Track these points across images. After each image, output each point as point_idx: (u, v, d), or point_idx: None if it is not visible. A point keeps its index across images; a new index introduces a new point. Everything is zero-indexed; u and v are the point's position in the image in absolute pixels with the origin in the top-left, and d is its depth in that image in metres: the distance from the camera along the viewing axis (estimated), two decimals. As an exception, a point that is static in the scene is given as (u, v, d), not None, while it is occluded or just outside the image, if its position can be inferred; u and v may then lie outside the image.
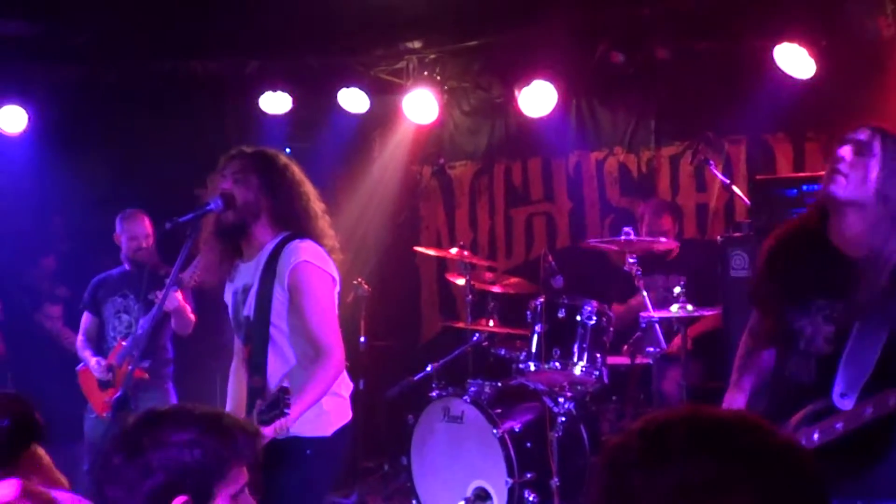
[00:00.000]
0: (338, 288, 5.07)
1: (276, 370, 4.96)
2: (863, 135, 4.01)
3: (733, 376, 4.49)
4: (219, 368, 5.60)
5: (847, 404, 3.83)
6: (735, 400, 4.36)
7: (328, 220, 5.23)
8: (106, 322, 7.82)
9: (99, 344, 7.79)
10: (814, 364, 4.01)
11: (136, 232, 7.75)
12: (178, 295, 7.20)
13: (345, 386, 5.17)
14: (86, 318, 7.92)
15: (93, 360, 7.62)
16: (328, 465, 5.11)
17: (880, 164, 3.94)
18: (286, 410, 4.51)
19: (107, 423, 7.06)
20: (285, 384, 4.60)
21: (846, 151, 3.95)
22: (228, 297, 5.26)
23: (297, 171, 5.20)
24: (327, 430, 5.01)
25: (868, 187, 3.90)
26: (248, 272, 5.10)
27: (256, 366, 4.99)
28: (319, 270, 4.95)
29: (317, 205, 5.20)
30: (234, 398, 5.24)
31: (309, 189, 5.20)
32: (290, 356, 4.98)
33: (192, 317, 7.57)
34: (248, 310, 5.05)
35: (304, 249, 4.95)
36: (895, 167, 3.97)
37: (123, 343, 7.53)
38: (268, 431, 4.58)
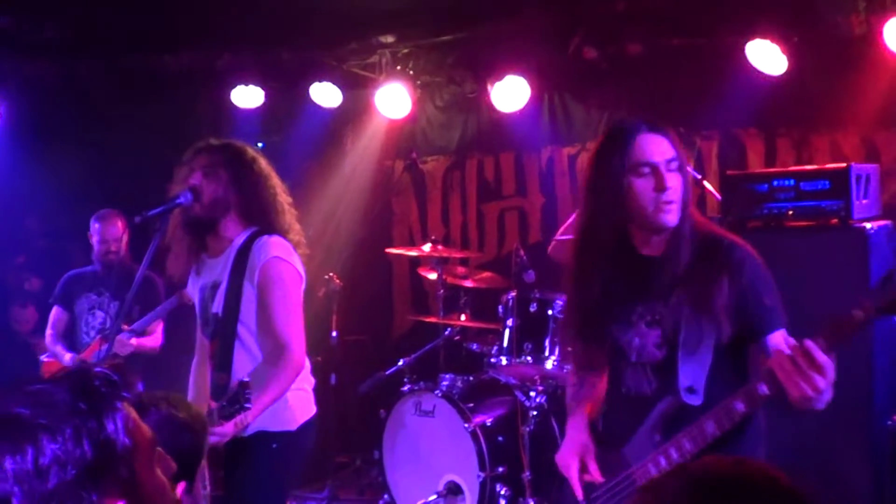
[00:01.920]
0: (304, 284, 5.07)
1: (242, 367, 4.96)
2: (668, 149, 3.84)
3: (570, 406, 4.30)
4: (184, 364, 5.59)
5: (696, 399, 3.73)
6: (578, 424, 4.16)
7: (294, 213, 5.24)
8: (79, 317, 7.79)
9: (71, 339, 7.76)
10: (651, 372, 3.90)
11: (107, 235, 7.78)
12: (132, 342, 7.26)
13: (307, 380, 5.17)
14: (56, 313, 7.90)
15: (66, 356, 7.59)
16: (294, 458, 5.11)
17: (682, 178, 3.85)
18: (247, 405, 4.51)
19: None
20: (245, 379, 4.60)
21: (673, 179, 3.79)
22: (195, 292, 5.25)
23: (264, 164, 5.20)
24: (292, 424, 5.01)
25: (682, 205, 3.83)
26: (216, 268, 5.09)
27: (222, 362, 4.98)
28: (289, 266, 4.96)
29: (283, 198, 5.20)
30: (197, 394, 5.22)
31: (276, 182, 5.20)
32: (256, 353, 4.98)
33: (156, 342, 7.66)
34: (217, 307, 5.04)
35: (273, 246, 4.95)
36: (686, 176, 3.90)
37: (95, 346, 7.48)
38: (228, 427, 4.58)
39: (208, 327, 5.12)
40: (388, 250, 9.22)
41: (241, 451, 4.77)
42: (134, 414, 2.08)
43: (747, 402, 3.51)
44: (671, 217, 3.78)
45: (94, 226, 7.83)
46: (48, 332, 7.88)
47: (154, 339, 7.63)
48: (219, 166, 5.04)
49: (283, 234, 5.06)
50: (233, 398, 4.53)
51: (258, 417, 4.78)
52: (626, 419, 3.96)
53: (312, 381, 5.25)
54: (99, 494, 1.96)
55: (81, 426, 1.95)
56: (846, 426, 5.55)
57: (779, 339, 3.68)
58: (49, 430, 1.93)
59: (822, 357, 3.26)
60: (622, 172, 3.81)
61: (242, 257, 4.98)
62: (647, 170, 3.78)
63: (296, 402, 5.03)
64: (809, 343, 3.29)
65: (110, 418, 2.00)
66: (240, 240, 5.05)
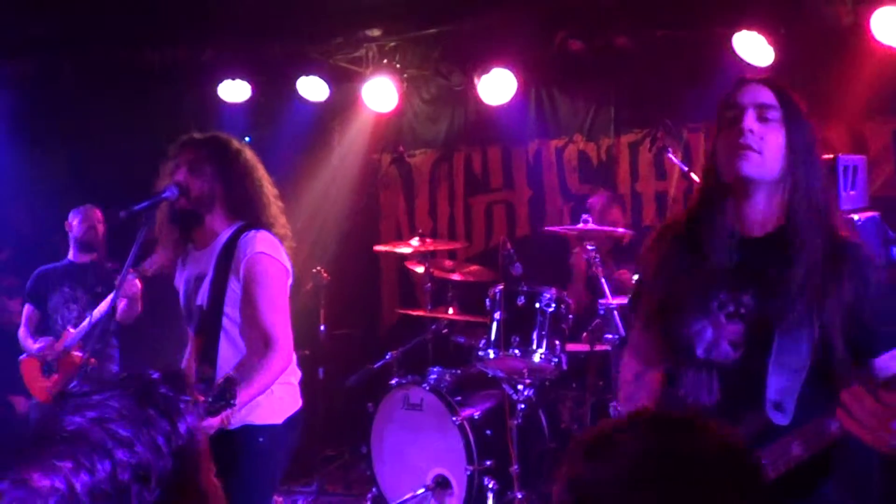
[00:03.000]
0: (290, 278, 5.06)
1: (228, 360, 4.94)
2: (764, 95, 3.41)
3: (625, 409, 3.82)
4: (162, 337, 5.60)
5: (782, 418, 3.21)
6: None
7: (280, 205, 5.23)
8: (53, 311, 7.78)
9: (44, 334, 7.75)
10: (715, 378, 3.40)
11: (91, 220, 7.86)
12: (137, 282, 7.19)
13: (294, 373, 5.16)
14: (27, 310, 7.94)
15: (39, 343, 7.59)
16: (281, 452, 5.08)
17: (786, 131, 3.39)
18: (232, 401, 4.49)
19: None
20: (232, 375, 4.59)
21: (751, 120, 3.35)
22: (180, 284, 5.24)
23: (249, 156, 5.18)
24: (279, 417, 5.00)
25: (778, 161, 3.37)
26: (201, 260, 5.08)
27: (207, 355, 4.97)
28: (275, 261, 4.95)
29: (269, 190, 5.19)
30: None
31: (262, 174, 5.18)
32: (241, 347, 4.97)
33: (140, 308, 7.55)
34: (202, 299, 5.03)
35: (259, 240, 4.94)
36: (800, 132, 3.42)
37: (72, 330, 7.47)
38: (214, 422, 4.56)
39: (192, 320, 5.11)
40: (375, 248, 9.19)
41: (227, 446, 4.75)
42: (196, 413, 1.96)
43: (806, 448, 3.07)
44: (747, 166, 3.33)
45: (75, 216, 7.91)
46: (21, 329, 7.88)
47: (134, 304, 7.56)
48: (204, 161, 5.02)
49: (268, 227, 5.05)
50: (219, 394, 4.51)
51: (242, 410, 4.77)
52: None
53: (299, 374, 5.23)
54: None
55: (156, 434, 1.84)
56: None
57: (886, 361, 3.26)
58: (123, 441, 1.80)
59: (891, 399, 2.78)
60: (718, 128, 3.48)
61: (228, 251, 4.97)
62: (732, 115, 3.41)
63: (282, 395, 5.01)
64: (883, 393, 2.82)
65: (181, 421, 1.89)
66: (226, 234, 5.03)
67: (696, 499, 1.71)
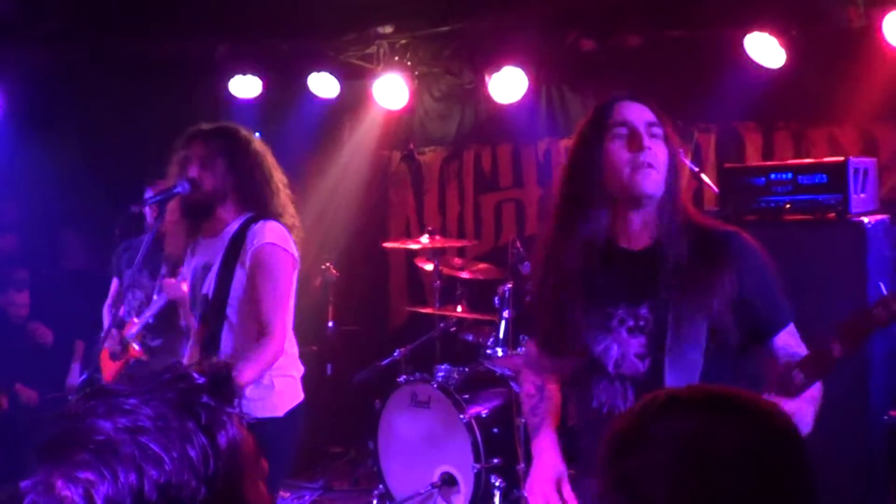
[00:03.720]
0: (297, 269, 5.07)
1: (230, 349, 4.96)
2: (647, 114, 3.57)
3: (532, 421, 3.90)
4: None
5: None
6: (547, 445, 3.75)
7: (289, 194, 5.23)
8: (124, 292, 7.71)
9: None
10: (629, 388, 3.50)
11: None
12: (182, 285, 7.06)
13: (296, 367, 5.16)
14: (114, 284, 7.79)
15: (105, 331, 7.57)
16: (282, 445, 5.06)
17: (667, 146, 3.55)
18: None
19: None
20: (228, 361, 4.60)
21: (653, 143, 3.49)
22: (187, 273, 5.25)
23: (258, 145, 5.21)
24: (279, 410, 5.01)
25: (667, 179, 3.52)
26: (209, 250, 5.09)
27: (210, 345, 4.98)
28: (283, 252, 4.96)
29: (278, 177, 5.21)
30: None
31: (271, 163, 5.20)
32: (242, 337, 4.97)
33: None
34: (207, 288, 5.05)
35: (268, 230, 4.96)
36: (673, 146, 3.58)
37: (136, 320, 7.40)
38: None
39: (197, 309, 5.12)
40: (384, 244, 9.19)
41: None
42: (239, 422, 1.85)
43: (782, 394, 3.16)
44: (649, 183, 3.44)
45: (149, 192, 7.72)
46: (107, 302, 7.78)
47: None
48: (216, 155, 5.04)
49: (277, 217, 5.06)
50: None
51: (241, 403, 4.77)
52: (596, 437, 3.34)
53: (301, 368, 5.24)
54: None
55: (191, 450, 1.72)
56: (842, 422, 5.54)
57: (785, 338, 3.46)
58: (154, 457, 1.68)
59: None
60: (599, 140, 3.54)
61: (237, 241, 4.99)
62: (623, 130, 3.51)
63: (283, 388, 5.02)
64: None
65: (222, 434, 1.77)
66: (235, 224, 5.06)
67: (737, 482, 1.75)
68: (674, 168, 3.54)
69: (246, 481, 1.83)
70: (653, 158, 3.46)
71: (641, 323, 3.49)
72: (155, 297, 7.12)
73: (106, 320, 7.68)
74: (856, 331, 3.07)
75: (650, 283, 3.47)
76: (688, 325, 3.39)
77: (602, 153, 3.51)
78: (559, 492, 3.62)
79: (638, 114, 3.56)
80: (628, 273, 3.52)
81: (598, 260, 3.53)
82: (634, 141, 3.48)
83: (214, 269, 5.05)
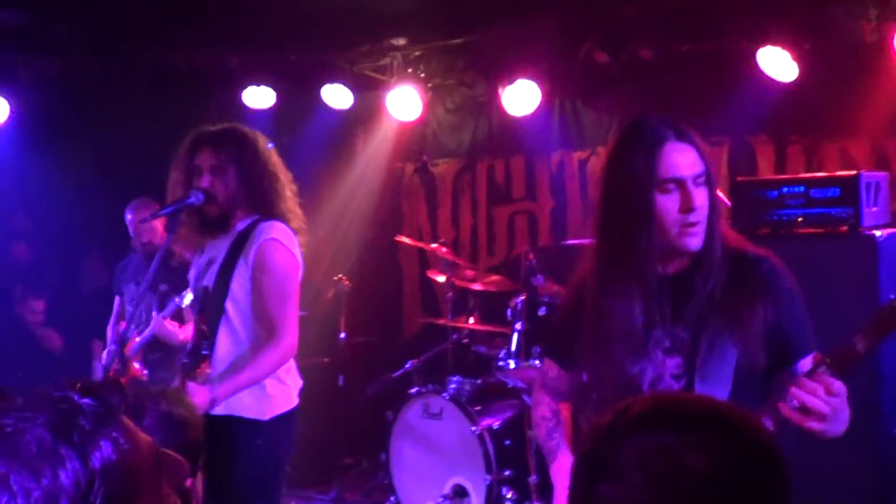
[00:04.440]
0: (301, 272, 5.07)
1: (225, 345, 4.95)
2: (696, 164, 3.46)
3: (549, 445, 3.89)
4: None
5: None
6: (568, 469, 3.42)
7: (294, 189, 5.24)
8: (126, 307, 7.71)
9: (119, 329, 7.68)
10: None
11: (138, 228, 7.65)
12: (167, 324, 6.94)
13: (293, 377, 5.13)
14: (116, 303, 7.85)
15: (105, 351, 7.58)
16: (261, 449, 5.00)
17: (708, 189, 3.47)
18: (204, 352, 4.49)
19: None
20: (204, 327, 4.60)
21: (701, 197, 3.43)
22: (192, 272, 5.27)
23: (263, 149, 5.20)
24: (265, 413, 4.98)
25: (709, 223, 3.47)
26: (217, 248, 5.11)
27: (206, 338, 4.95)
28: (286, 251, 4.97)
29: (285, 179, 5.21)
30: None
31: (275, 161, 5.21)
32: (242, 336, 4.97)
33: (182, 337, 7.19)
34: (209, 280, 5.04)
35: (274, 229, 4.98)
36: (714, 183, 3.52)
37: (137, 339, 7.36)
38: (201, 396, 4.56)
39: (197, 301, 5.12)
40: (397, 238, 9.18)
41: (212, 435, 4.72)
42: (126, 441, 1.78)
43: (774, 422, 3.11)
44: (696, 241, 3.42)
45: (127, 215, 7.73)
46: (110, 322, 7.83)
47: (186, 329, 7.13)
48: (227, 163, 5.05)
49: (285, 220, 5.08)
50: (193, 350, 4.52)
51: (230, 397, 4.78)
52: None
53: (299, 381, 5.20)
54: None
55: (63, 473, 1.67)
56: (851, 434, 5.52)
57: (809, 363, 3.37)
58: (23, 488, 1.64)
59: (836, 385, 3.02)
60: (648, 188, 3.42)
61: (243, 238, 5.00)
62: (672, 186, 3.40)
63: (274, 392, 4.99)
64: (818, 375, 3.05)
65: (96, 455, 1.71)
66: (242, 225, 5.08)
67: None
68: (716, 208, 3.50)
69: (143, 494, 1.79)
70: (700, 215, 3.43)
71: (678, 344, 3.49)
72: (154, 315, 7.12)
73: (109, 338, 7.70)
74: (882, 324, 3.05)
75: (686, 305, 3.49)
76: (720, 347, 3.41)
77: (651, 206, 3.43)
78: None
79: (688, 166, 3.44)
80: (664, 295, 3.50)
81: (642, 285, 3.50)
82: (685, 201, 3.41)
83: (217, 262, 5.06)
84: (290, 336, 4.91)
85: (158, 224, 7.56)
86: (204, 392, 4.63)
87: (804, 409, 3.04)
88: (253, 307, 4.98)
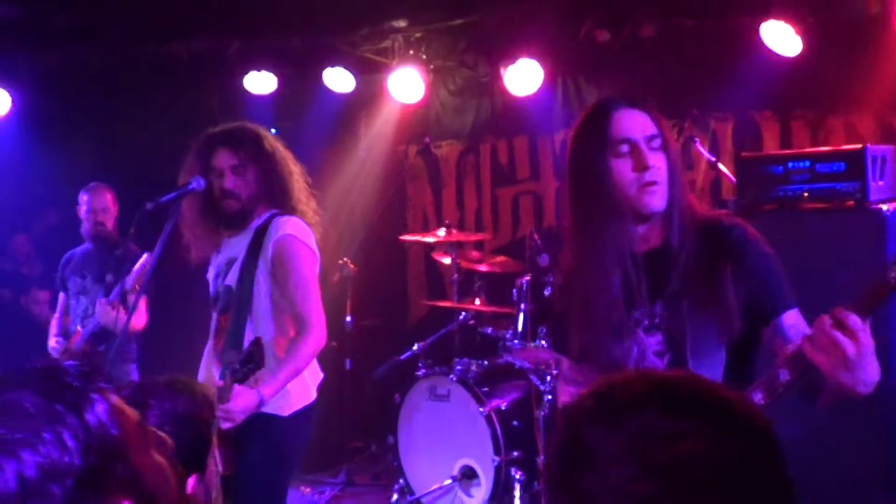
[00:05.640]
0: (318, 265, 5.09)
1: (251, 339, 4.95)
2: (648, 126, 3.52)
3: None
4: (176, 345, 5.60)
5: None
6: None
7: (308, 190, 5.27)
8: (70, 301, 7.66)
9: (66, 323, 7.67)
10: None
11: (95, 205, 7.62)
12: (111, 310, 6.85)
13: (312, 372, 5.15)
14: (61, 298, 7.82)
15: (52, 341, 7.50)
16: (283, 444, 5.03)
17: (665, 154, 3.54)
18: (261, 364, 4.49)
19: None
20: (260, 338, 4.60)
21: (656, 158, 3.49)
22: (211, 271, 5.27)
23: (279, 146, 5.23)
24: (285, 410, 4.99)
25: (670, 188, 3.52)
26: (236, 246, 5.13)
27: (233, 335, 4.98)
28: (303, 245, 4.99)
29: (298, 174, 5.25)
30: (207, 376, 5.20)
31: (288, 156, 5.24)
32: (268, 329, 4.98)
33: (141, 320, 7.25)
34: (231, 279, 5.07)
35: (289, 224, 5.01)
36: (672, 148, 3.57)
37: (80, 330, 7.31)
38: (236, 406, 4.55)
39: (220, 300, 5.13)
40: (402, 237, 9.18)
41: (238, 431, 4.74)
42: (115, 400, 1.88)
43: (767, 394, 3.08)
44: (655, 200, 3.47)
45: (83, 197, 7.69)
46: (55, 316, 7.79)
47: (138, 315, 7.16)
48: (247, 163, 5.10)
49: (300, 214, 5.10)
50: (246, 357, 4.51)
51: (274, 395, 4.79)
52: None
53: (320, 375, 5.24)
54: (101, 500, 1.79)
55: (62, 429, 1.77)
56: (859, 404, 5.48)
57: (793, 318, 3.40)
58: (27, 442, 1.73)
59: (852, 319, 2.85)
60: (602, 156, 3.51)
61: (259, 236, 5.03)
62: (625, 148, 3.48)
63: (293, 388, 5.00)
64: (836, 310, 2.91)
65: (90, 412, 1.81)
66: (259, 220, 5.11)
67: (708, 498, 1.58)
68: (675, 173, 3.55)
69: (132, 450, 1.87)
70: (656, 175, 3.48)
71: (657, 321, 3.55)
72: (98, 303, 7.07)
73: (50, 342, 7.62)
74: (872, 297, 2.97)
75: (662, 282, 3.54)
76: (702, 320, 3.44)
77: (607, 171, 3.51)
78: None
79: (638, 127, 3.51)
80: (640, 274, 3.56)
81: (618, 267, 3.56)
82: (638, 161, 3.48)
83: (238, 262, 5.08)
84: (319, 326, 4.95)
85: (113, 210, 7.56)
86: (251, 394, 4.65)
87: (829, 348, 2.89)
88: (277, 303, 4.99)
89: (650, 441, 1.59)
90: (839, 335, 2.85)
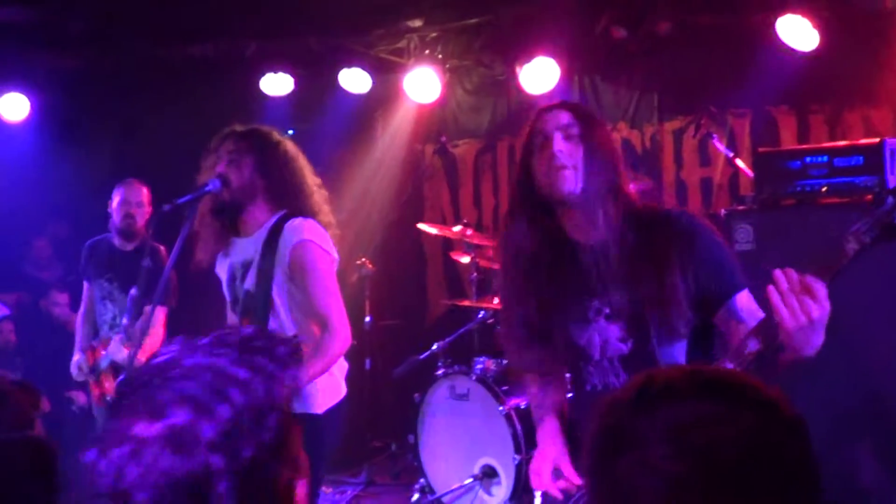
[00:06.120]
0: (336, 266, 5.08)
1: None
2: (564, 118, 3.73)
3: (536, 415, 4.09)
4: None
5: None
6: (547, 433, 3.92)
7: (324, 194, 5.25)
8: (96, 302, 7.54)
9: (94, 324, 7.52)
10: (618, 365, 3.74)
11: (130, 197, 7.42)
12: (125, 351, 6.78)
13: (339, 366, 5.15)
14: (85, 289, 7.63)
15: (74, 358, 7.38)
16: (318, 442, 5.03)
17: (584, 146, 3.70)
18: (301, 360, 4.50)
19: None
20: (297, 335, 4.61)
21: (562, 143, 3.67)
22: (223, 272, 5.25)
23: (290, 147, 5.22)
24: (319, 408, 4.99)
25: (586, 174, 3.68)
26: (247, 248, 5.10)
27: None
28: (320, 249, 4.97)
29: (311, 179, 5.22)
30: None
31: (303, 164, 5.22)
32: (288, 329, 4.98)
33: (156, 342, 6.97)
34: (249, 284, 5.05)
35: (305, 228, 4.96)
36: (598, 147, 3.73)
37: (103, 352, 7.20)
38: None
39: (238, 305, 5.13)
40: (418, 225, 9.16)
41: None
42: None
43: (737, 363, 3.23)
44: (564, 184, 3.63)
45: (117, 190, 7.48)
46: (80, 310, 7.64)
47: (154, 335, 6.99)
48: (244, 153, 5.06)
49: (312, 216, 5.08)
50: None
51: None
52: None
53: (345, 366, 5.24)
54: (277, 468, 1.76)
55: (266, 382, 1.78)
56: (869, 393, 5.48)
57: (744, 299, 3.57)
58: (241, 383, 1.74)
59: (818, 286, 3.05)
60: (529, 153, 3.78)
61: (273, 238, 5.00)
62: (539, 139, 3.72)
63: (324, 385, 5.01)
64: (805, 276, 3.09)
65: (288, 370, 1.86)
66: (270, 222, 5.07)
67: (742, 480, 1.63)
68: (594, 161, 3.68)
69: (293, 443, 1.85)
70: (564, 159, 3.65)
71: (617, 308, 3.69)
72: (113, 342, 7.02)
73: (78, 332, 7.54)
74: (831, 267, 3.13)
75: (612, 272, 3.67)
76: (659, 306, 3.57)
77: (531, 165, 3.76)
78: (558, 472, 3.78)
79: (552, 120, 3.73)
80: (590, 266, 3.70)
81: (566, 260, 3.75)
82: (547, 149, 3.68)
83: (254, 265, 5.06)
84: (343, 326, 4.93)
85: (146, 208, 7.45)
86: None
87: (795, 310, 3.06)
88: (298, 306, 4.99)
89: (686, 425, 1.65)
90: (807, 300, 3.03)
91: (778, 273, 3.11)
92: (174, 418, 1.67)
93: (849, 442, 5.55)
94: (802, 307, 3.05)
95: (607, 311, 3.71)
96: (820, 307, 3.05)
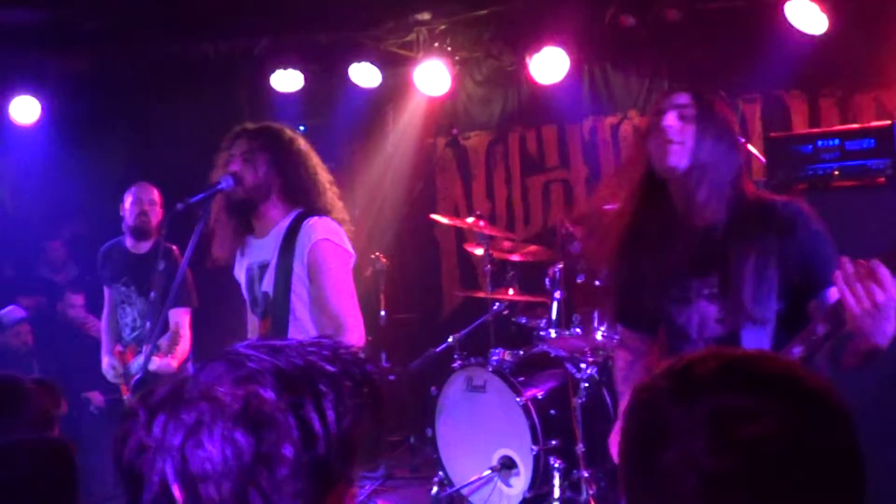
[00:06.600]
0: (353, 261, 5.09)
1: None
2: (683, 98, 3.87)
3: (619, 389, 4.29)
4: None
5: None
6: None
7: (336, 191, 5.25)
8: (116, 307, 7.55)
9: (117, 328, 7.52)
10: (713, 346, 3.62)
11: (142, 195, 7.42)
12: (156, 359, 6.65)
13: None
14: (106, 295, 7.60)
15: (105, 360, 7.38)
16: None
17: (697, 128, 3.81)
18: None
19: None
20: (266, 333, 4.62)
21: (674, 119, 3.80)
22: (241, 274, 5.26)
23: (303, 144, 5.21)
24: None
25: (695, 153, 3.79)
26: (264, 248, 5.10)
27: (277, 338, 4.97)
28: (338, 248, 4.97)
29: (324, 177, 5.21)
30: None
31: (316, 161, 5.21)
32: (310, 329, 4.99)
33: (184, 351, 7.07)
34: (267, 285, 5.06)
35: (322, 227, 4.96)
36: (712, 130, 3.84)
37: (132, 359, 7.15)
38: None
39: (258, 307, 5.14)
40: (431, 216, 9.15)
41: None
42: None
43: (805, 347, 3.36)
44: (669, 157, 3.77)
45: (129, 192, 7.47)
46: (104, 315, 7.58)
47: (183, 336, 7.07)
48: (257, 150, 5.06)
49: (326, 213, 5.08)
50: None
51: None
52: None
53: None
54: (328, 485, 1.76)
55: (352, 388, 1.78)
56: (879, 415, 5.44)
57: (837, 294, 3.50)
58: (333, 379, 1.74)
59: (882, 270, 3.15)
60: (647, 131, 3.91)
61: (290, 238, 5.00)
62: (656, 119, 3.84)
63: None
64: (869, 261, 3.20)
65: (347, 417, 1.79)
66: (286, 221, 5.06)
67: (786, 473, 1.59)
68: (712, 145, 3.79)
69: (354, 468, 1.84)
70: (674, 134, 3.77)
71: (716, 290, 3.80)
72: (142, 350, 6.96)
73: (104, 336, 7.53)
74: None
75: (718, 254, 3.77)
76: (756, 289, 3.67)
77: (646, 143, 3.90)
78: None
79: (670, 100, 3.86)
80: (697, 247, 3.81)
81: (673, 238, 3.86)
82: (659, 122, 3.81)
83: (272, 266, 5.06)
84: (357, 328, 4.93)
85: (158, 206, 7.45)
86: None
87: (860, 295, 3.16)
88: (315, 305, 4.99)
89: (729, 418, 1.61)
90: (872, 285, 3.13)
91: (843, 258, 3.22)
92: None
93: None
94: (867, 291, 3.14)
95: (707, 291, 3.83)
96: (884, 292, 3.13)
